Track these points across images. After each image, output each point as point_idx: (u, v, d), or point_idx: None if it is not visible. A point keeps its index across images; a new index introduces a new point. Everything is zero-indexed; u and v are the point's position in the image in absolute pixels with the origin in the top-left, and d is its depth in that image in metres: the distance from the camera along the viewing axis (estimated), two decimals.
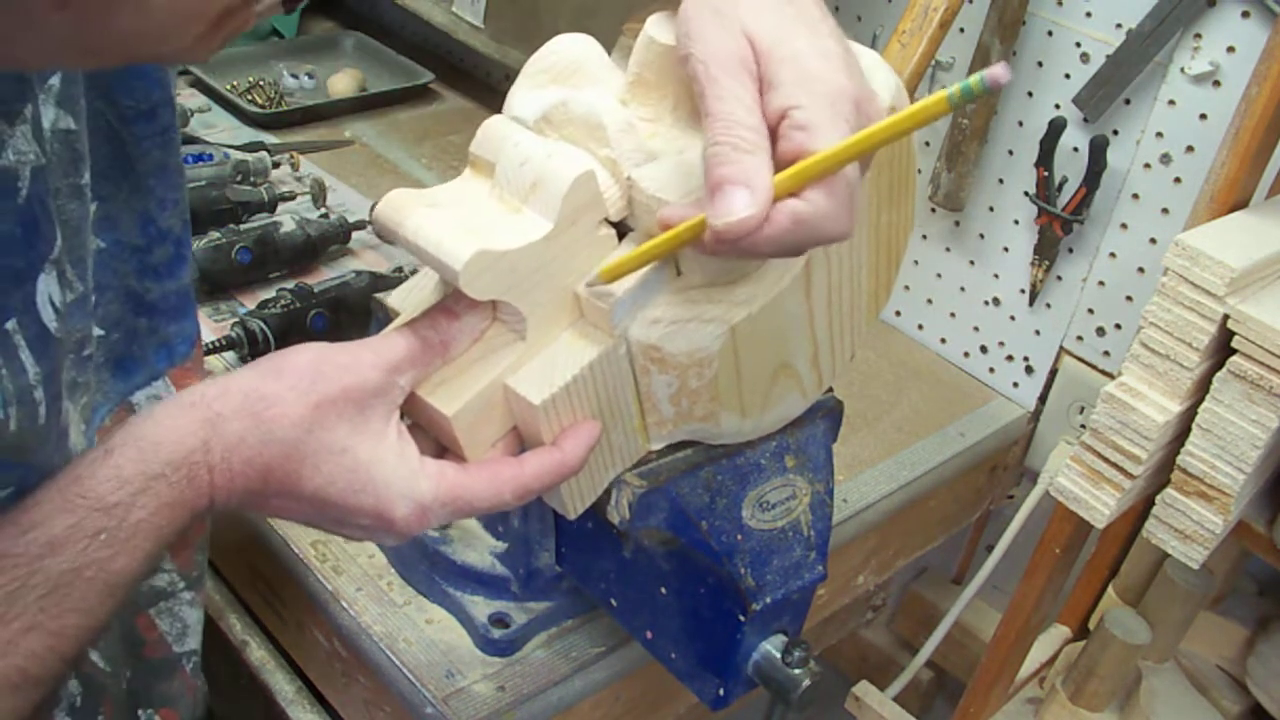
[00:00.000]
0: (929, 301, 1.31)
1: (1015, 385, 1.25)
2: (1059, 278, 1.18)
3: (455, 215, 0.59)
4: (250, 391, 0.55)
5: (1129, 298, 1.13)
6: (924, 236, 1.29)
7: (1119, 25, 1.06)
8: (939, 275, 1.29)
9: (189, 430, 0.53)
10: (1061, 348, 1.20)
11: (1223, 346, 0.80)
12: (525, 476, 0.60)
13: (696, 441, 0.69)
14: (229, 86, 1.54)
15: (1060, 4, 1.10)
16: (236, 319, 1.08)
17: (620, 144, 0.60)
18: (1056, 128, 1.11)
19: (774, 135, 0.53)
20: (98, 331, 0.61)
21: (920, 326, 1.32)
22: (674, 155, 0.61)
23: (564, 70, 0.65)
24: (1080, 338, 1.18)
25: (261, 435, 0.54)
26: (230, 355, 1.08)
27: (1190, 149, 1.05)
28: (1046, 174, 1.13)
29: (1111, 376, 1.01)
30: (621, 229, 0.62)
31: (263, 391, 0.55)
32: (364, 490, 0.57)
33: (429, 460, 0.59)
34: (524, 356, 0.60)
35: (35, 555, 0.49)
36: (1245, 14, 0.98)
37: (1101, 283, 1.15)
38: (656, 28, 0.62)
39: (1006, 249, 1.22)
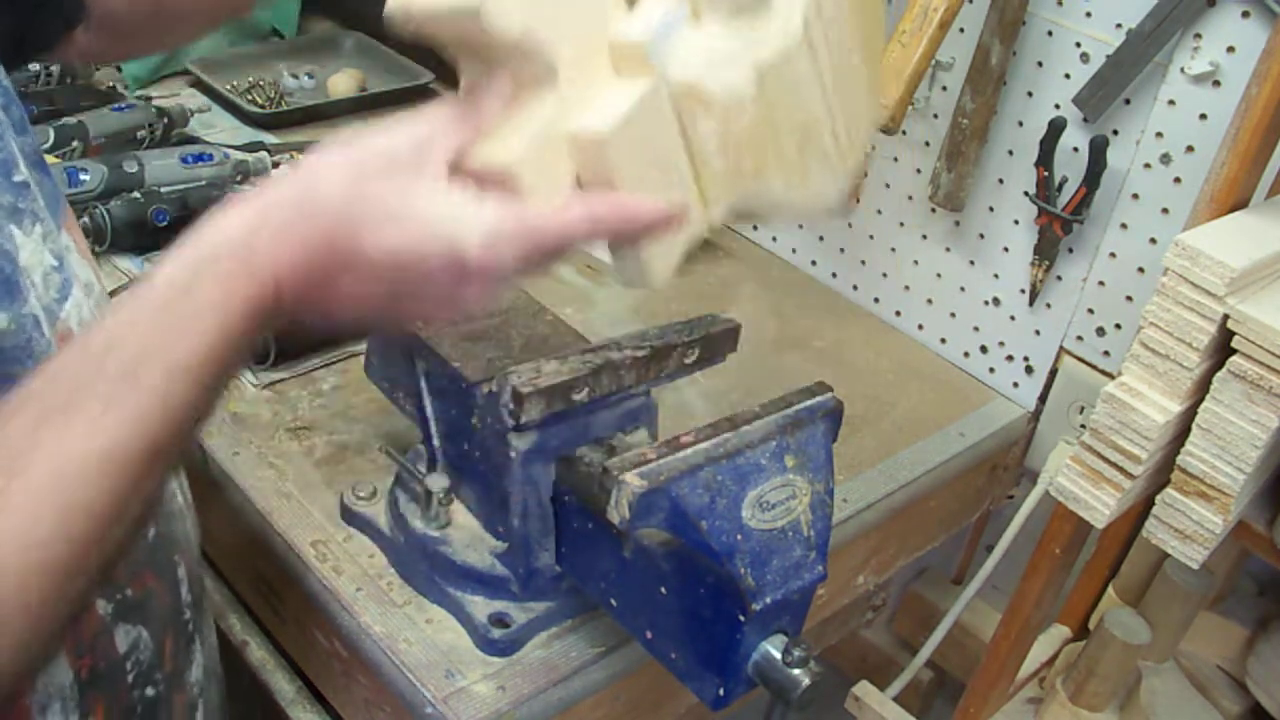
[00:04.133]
0: (929, 301, 1.31)
1: (1015, 385, 1.25)
2: (1059, 278, 1.18)
3: None
4: (294, 180, 0.56)
5: (1129, 298, 1.13)
6: (924, 236, 1.29)
7: (1119, 25, 1.06)
8: (939, 275, 1.29)
9: (240, 219, 0.55)
10: (1061, 348, 1.20)
11: (1223, 346, 0.80)
12: (593, 203, 0.59)
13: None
14: (229, 86, 1.54)
15: (1060, 4, 1.10)
16: None
17: None
18: (1056, 128, 1.11)
19: None
20: None
21: (920, 326, 1.32)
22: None
23: None
24: (1080, 338, 1.18)
25: (312, 209, 0.55)
26: None
27: (1190, 149, 1.05)
28: (1046, 174, 1.13)
29: (1111, 376, 1.01)
30: None
31: (304, 176, 0.57)
32: (430, 234, 0.56)
33: (488, 196, 0.58)
34: (566, 107, 0.59)
35: (100, 352, 0.51)
36: (1245, 14, 0.98)
37: (1101, 283, 1.15)
38: None
39: (1006, 249, 1.22)
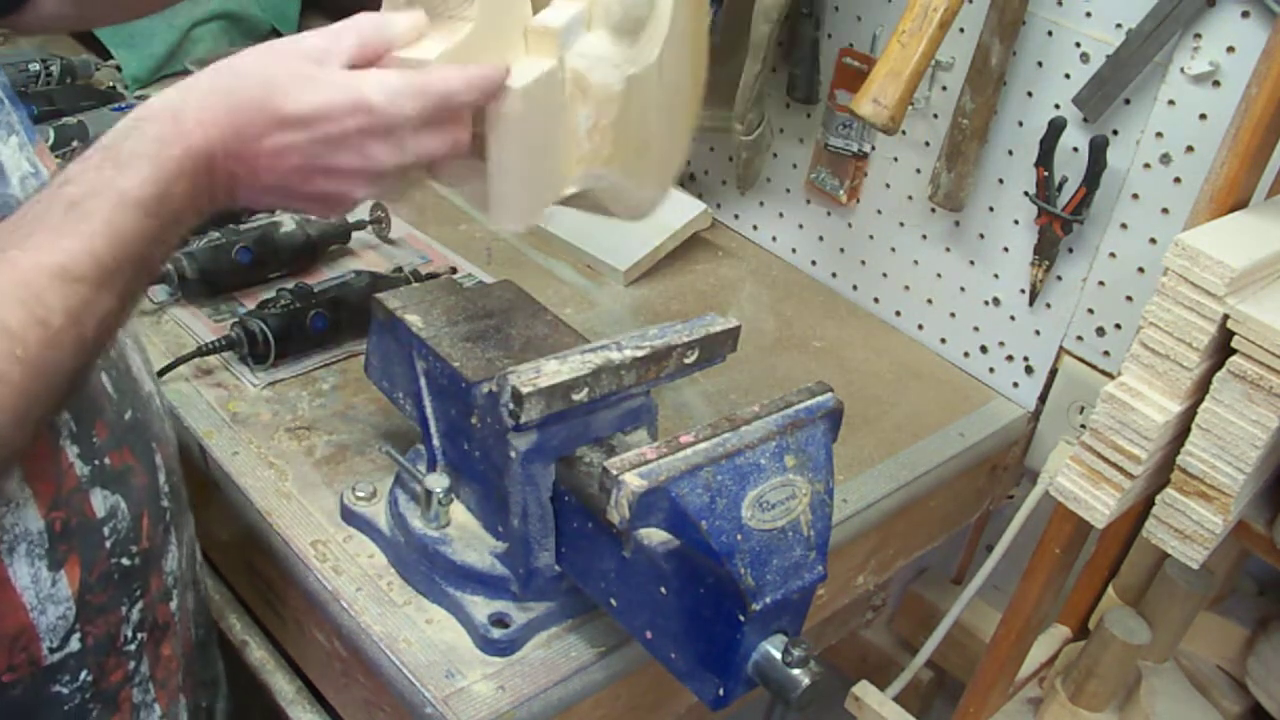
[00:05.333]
0: (929, 301, 1.31)
1: (1015, 385, 1.25)
2: (1059, 278, 1.18)
3: None
4: (213, 66, 0.67)
5: (1129, 298, 1.13)
6: (924, 236, 1.29)
7: (1119, 25, 1.06)
8: (939, 275, 1.29)
9: (167, 94, 0.66)
10: (1061, 348, 1.20)
11: (1223, 346, 0.80)
12: (466, 68, 0.70)
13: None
14: None
15: (1060, 4, 1.10)
16: (236, 319, 1.08)
17: None
18: (1056, 128, 1.11)
19: None
20: None
21: (920, 326, 1.32)
22: None
23: None
24: (1080, 338, 1.18)
25: (232, 79, 0.66)
26: (230, 355, 1.08)
27: (1190, 149, 1.05)
28: (1046, 174, 1.13)
29: (1111, 376, 1.01)
30: None
31: (223, 62, 0.67)
32: (339, 90, 0.66)
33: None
34: (477, 42, 0.72)
35: (54, 191, 0.60)
36: (1245, 14, 0.98)
37: (1101, 283, 1.15)
38: None
39: (1006, 249, 1.22)
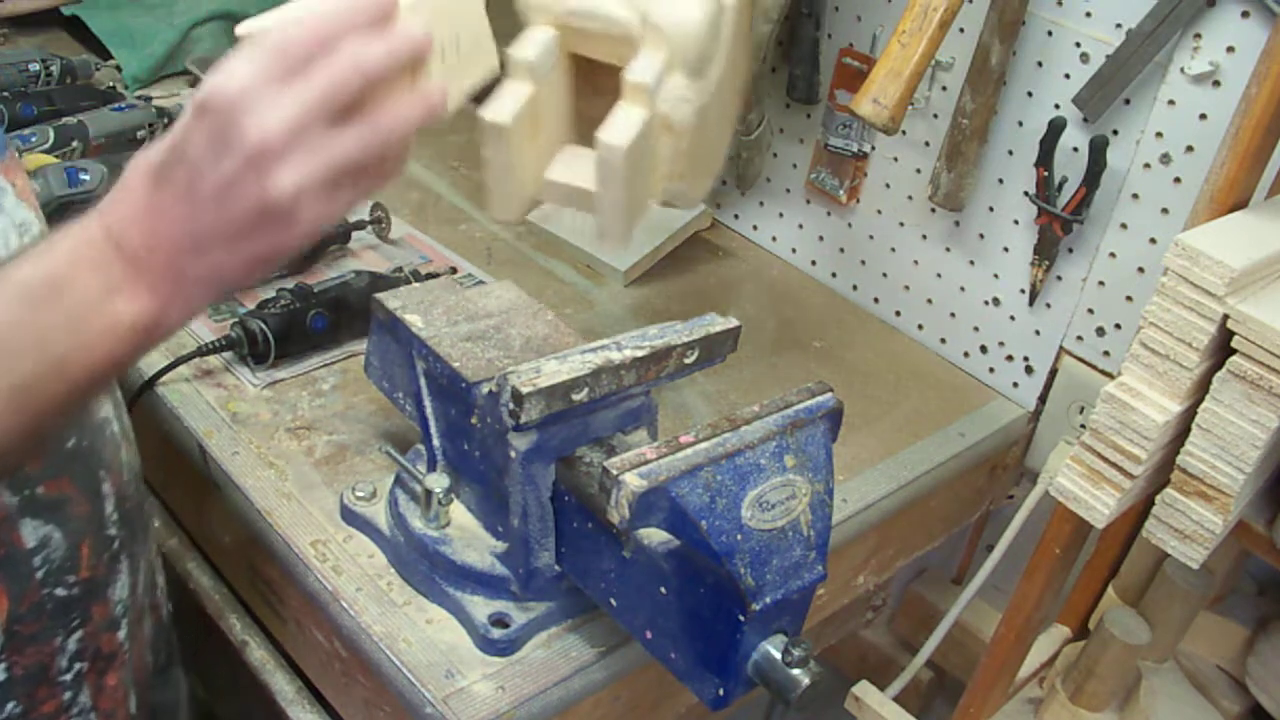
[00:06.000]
0: (929, 301, 1.31)
1: (1015, 385, 1.25)
2: (1059, 278, 1.18)
3: None
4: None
5: (1129, 298, 1.13)
6: (924, 236, 1.29)
7: (1119, 25, 1.06)
8: (939, 275, 1.29)
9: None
10: (1061, 348, 1.20)
11: (1223, 346, 0.80)
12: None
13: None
14: None
15: (1060, 4, 1.10)
16: (236, 319, 1.08)
17: None
18: (1056, 128, 1.11)
19: None
20: None
21: (920, 326, 1.32)
22: None
23: None
24: (1080, 338, 1.18)
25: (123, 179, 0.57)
26: (230, 355, 1.08)
27: (1190, 149, 1.05)
28: (1046, 174, 1.13)
29: (1111, 376, 1.01)
30: None
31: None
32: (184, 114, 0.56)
33: None
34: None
35: None
36: (1245, 14, 0.98)
37: (1101, 283, 1.15)
38: None
39: (1006, 249, 1.22)
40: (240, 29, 0.59)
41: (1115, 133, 1.09)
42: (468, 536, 0.88)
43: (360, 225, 1.28)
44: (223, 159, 0.54)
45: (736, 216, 1.48)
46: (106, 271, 0.56)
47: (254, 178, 0.54)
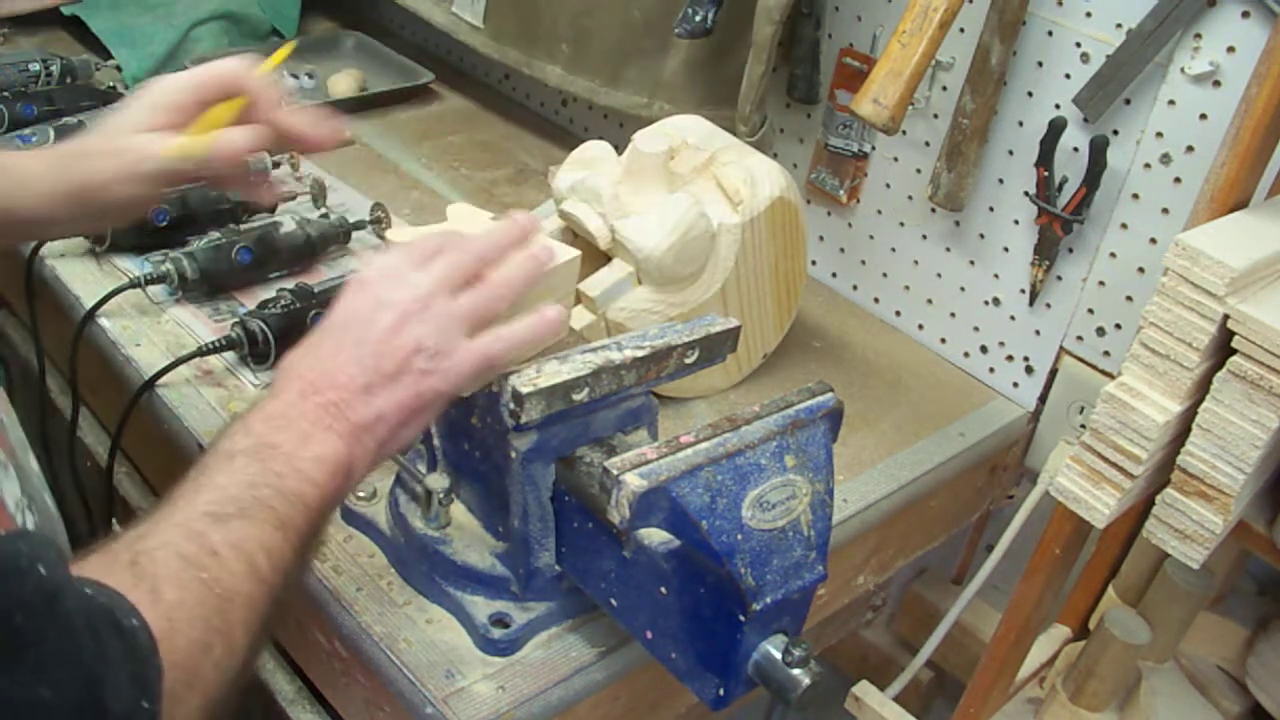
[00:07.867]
0: (929, 301, 1.31)
1: (1015, 385, 1.25)
2: (1059, 278, 1.18)
3: None
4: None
5: (1129, 298, 1.13)
6: (924, 236, 1.29)
7: (1119, 25, 1.06)
8: (939, 275, 1.29)
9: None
10: (1061, 348, 1.20)
11: (1223, 346, 0.80)
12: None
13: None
14: None
15: (1060, 4, 1.10)
16: (236, 319, 1.08)
17: (609, 205, 1.04)
18: (1056, 128, 1.11)
19: None
20: None
21: (920, 326, 1.32)
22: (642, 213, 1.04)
23: (588, 161, 1.10)
24: (1080, 338, 1.18)
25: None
26: (230, 355, 1.08)
27: (1190, 149, 1.05)
28: (1046, 174, 1.13)
29: (1111, 376, 1.01)
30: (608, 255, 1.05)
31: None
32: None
33: None
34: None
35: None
36: (1245, 14, 0.98)
37: (1101, 283, 1.15)
38: (642, 140, 1.07)
39: (1006, 249, 1.22)
40: (390, 234, 0.91)
41: (1115, 133, 1.09)
42: (468, 536, 0.88)
43: (360, 225, 1.28)
44: (382, 313, 0.73)
45: None
46: (312, 422, 0.70)
47: (407, 326, 0.73)
